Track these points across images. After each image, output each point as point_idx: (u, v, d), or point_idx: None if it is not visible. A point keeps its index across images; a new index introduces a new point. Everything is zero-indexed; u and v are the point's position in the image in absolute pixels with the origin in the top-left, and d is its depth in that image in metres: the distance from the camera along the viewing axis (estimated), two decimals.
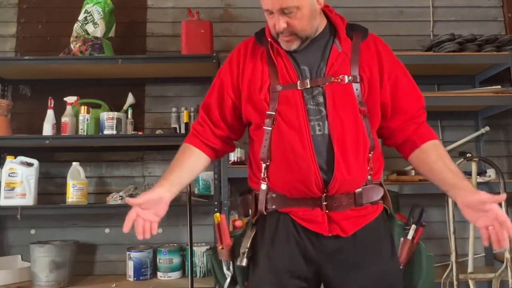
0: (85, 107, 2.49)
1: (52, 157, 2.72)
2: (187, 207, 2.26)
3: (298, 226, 1.31)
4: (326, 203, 1.29)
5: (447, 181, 1.32)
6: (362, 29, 1.42)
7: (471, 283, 2.31)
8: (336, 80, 1.31)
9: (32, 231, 2.64)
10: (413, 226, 1.38)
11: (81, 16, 2.62)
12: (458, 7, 2.95)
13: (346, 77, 1.32)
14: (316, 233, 1.29)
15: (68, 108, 2.52)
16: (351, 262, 1.29)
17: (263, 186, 1.35)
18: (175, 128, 2.62)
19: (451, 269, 2.26)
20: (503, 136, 2.85)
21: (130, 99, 2.65)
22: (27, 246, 2.41)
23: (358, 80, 1.33)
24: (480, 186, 2.37)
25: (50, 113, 2.50)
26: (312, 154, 1.27)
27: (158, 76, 2.76)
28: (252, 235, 1.37)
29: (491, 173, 2.47)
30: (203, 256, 2.45)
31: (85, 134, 2.46)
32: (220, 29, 2.84)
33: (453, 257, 2.27)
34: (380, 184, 1.37)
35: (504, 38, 2.58)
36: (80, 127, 2.47)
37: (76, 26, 2.61)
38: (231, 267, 1.40)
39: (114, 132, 2.47)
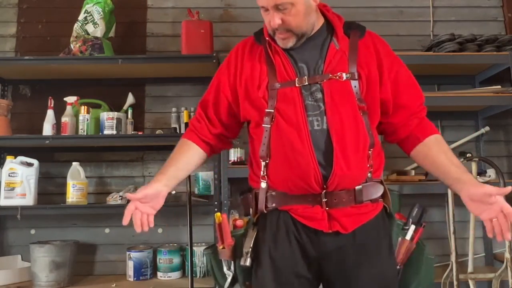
0: (85, 107, 2.49)
1: (52, 157, 2.73)
2: (187, 207, 2.26)
3: (298, 224, 1.31)
4: (326, 199, 1.29)
5: (451, 175, 1.33)
6: (360, 27, 1.42)
7: (471, 283, 2.31)
8: (334, 77, 1.32)
9: (32, 231, 2.64)
10: (412, 227, 1.38)
11: (81, 16, 2.62)
12: (458, 7, 2.95)
13: (344, 74, 1.32)
14: (316, 231, 1.29)
15: (68, 108, 2.52)
16: (350, 260, 1.30)
17: (263, 185, 1.35)
18: (175, 128, 2.62)
19: (451, 269, 2.26)
20: (503, 136, 2.85)
21: (130, 99, 2.65)
22: (27, 246, 2.41)
23: (356, 77, 1.33)
24: None
25: (50, 113, 2.50)
26: (311, 149, 1.27)
27: (158, 76, 2.76)
28: (255, 234, 1.37)
29: (491, 173, 2.47)
30: (203, 256, 2.45)
31: (85, 134, 2.46)
32: (220, 29, 2.84)
33: (453, 257, 2.27)
34: (381, 182, 1.38)
35: (504, 38, 2.58)
36: (80, 127, 2.47)
37: (76, 26, 2.61)
38: (232, 267, 1.40)
39: (114, 132, 2.47)
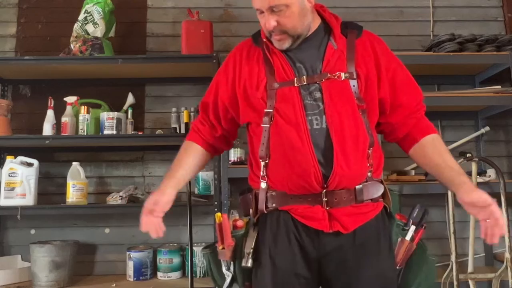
0: (85, 107, 2.49)
1: (52, 157, 2.72)
2: (187, 207, 2.26)
3: (298, 224, 1.31)
4: (326, 199, 1.29)
5: (445, 176, 1.34)
6: (357, 26, 1.43)
7: (471, 283, 2.31)
8: (332, 76, 1.32)
9: (32, 231, 2.64)
10: (413, 227, 1.37)
11: (81, 16, 2.62)
12: (458, 7, 2.95)
13: (342, 74, 1.33)
14: (316, 231, 1.29)
15: (68, 108, 2.52)
16: (350, 260, 1.29)
17: (263, 185, 1.35)
18: (175, 128, 2.62)
19: (451, 269, 2.26)
20: (503, 136, 2.85)
21: (130, 99, 2.65)
22: (27, 246, 2.40)
23: (355, 76, 1.34)
24: (480, 186, 2.37)
25: (50, 113, 2.50)
26: (310, 147, 1.27)
27: (158, 76, 2.75)
28: (256, 235, 1.37)
29: (491, 173, 2.47)
30: (203, 256, 2.45)
31: (85, 134, 2.46)
32: (220, 29, 2.84)
33: (453, 257, 2.27)
34: (381, 182, 1.38)
35: (504, 38, 2.58)
36: (80, 127, 2.46)
37: (76, 26, 2.61)
38: (231, 268, 1.39)
39: (114, 132, 2.46)
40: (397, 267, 1.36)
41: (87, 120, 2.47)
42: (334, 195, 1.29)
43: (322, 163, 1.28)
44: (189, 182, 2.21)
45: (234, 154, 2.46)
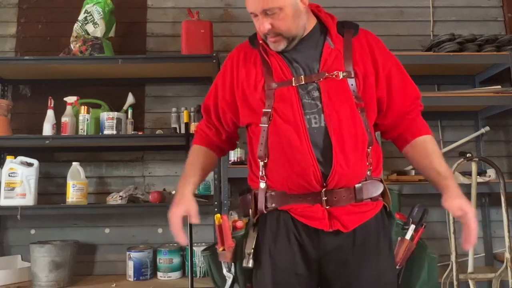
0: (85, 107, 2.49)
1: (52, 157, 2.72)
2: None
3: (298, 224, 1.31)
4: (326, 198, 1.29)
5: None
6: (353, 25, 1.43)
7: (471, 283, 2.31)
8: (330, 76, 1.32)
9: (32, 231, 2.64)
10: (412, 226, 1.37)
11: (81, 16, 2.62)
12: (458, 7, 2.95)
13: (340, 73, 1.33)
14: (316, 230, 1.29)
15: (68, 108, 2.52)
16: (350, 260, 1.29)
17: (262, 185, 1.36)
18: (175, 128, 2.62)
19: (451, 269, 2.26)
20: (503, 136, 2.85)
21: (130, 99, 2.65)
22: (27, 246, 2.40)
23: (353, 75, 1.34)
24: (480, 186, 2.37)
25: (50, 113, 2.50)
26: (309, 146, 1.27)
27: (158, 76, 2.75)
28: (256, 235, 1.37)
29: (491, 173, 2.47)
30: (202, 258, 2.44)
31: (85, 134, 2.46)
32: (220, 29, 2.84)
33: (453, 257, 2.27)
34: (381, 181, 1.38)
35: (504, 38, 2.58)
36: (80, 127, 2.47)
37: (76, 26, 2.61)
38: (232, 269, 1.39)
39: (114, 132, 2.46)
40: (397, 267, 1.36)
41: (87, 120, 2.47)
42: (334, 194, 1.29)
43: (321, 162, 1.28)
44: None
45: (234, 154, 2.46)
